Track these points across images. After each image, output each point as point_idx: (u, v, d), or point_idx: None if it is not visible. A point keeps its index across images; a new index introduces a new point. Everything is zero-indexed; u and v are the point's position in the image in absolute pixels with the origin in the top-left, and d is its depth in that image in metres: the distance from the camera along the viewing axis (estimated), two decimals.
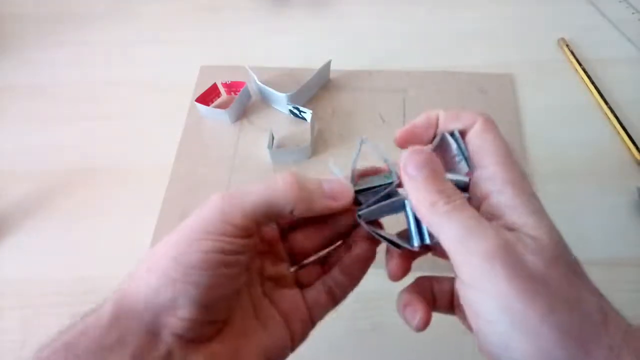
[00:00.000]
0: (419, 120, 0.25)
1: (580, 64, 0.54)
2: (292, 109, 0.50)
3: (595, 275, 0.21)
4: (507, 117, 0.51)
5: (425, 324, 0.24)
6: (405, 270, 0.25)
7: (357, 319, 0.39)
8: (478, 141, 0.23)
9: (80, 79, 0.56)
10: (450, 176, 0.22)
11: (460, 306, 0.25)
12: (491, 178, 0.22)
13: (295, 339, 0.25)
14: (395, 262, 0.25)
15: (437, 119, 0.24)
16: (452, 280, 0.26)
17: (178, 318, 0.21)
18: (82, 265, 0.42)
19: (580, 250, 0.21)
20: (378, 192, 0.25)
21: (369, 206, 0.25)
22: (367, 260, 0.26)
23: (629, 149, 0.48)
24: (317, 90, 0.54)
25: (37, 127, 0.52)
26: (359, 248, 0.26)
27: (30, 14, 0.63)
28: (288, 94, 0.49)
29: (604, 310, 0.19)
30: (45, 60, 0.58)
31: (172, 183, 0.47)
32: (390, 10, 0.63)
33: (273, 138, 0.49)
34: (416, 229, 0.24)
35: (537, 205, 0.21)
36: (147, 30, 0.61)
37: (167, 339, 0.21)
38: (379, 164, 0.26)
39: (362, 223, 0.25)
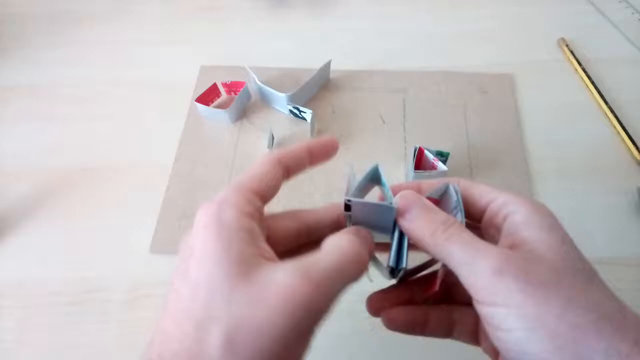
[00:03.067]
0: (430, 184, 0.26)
1: (580, 64, 0.54)
2: (292, 109, 0.50)
3: None
4: (507, 117, 0.51)
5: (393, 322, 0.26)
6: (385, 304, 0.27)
7: (357, 319, 0.39)
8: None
9: (80, 79, 0.56)
10: None
11: (482, 334, 0.26)
12: (504, 203, 0.23)
13: None
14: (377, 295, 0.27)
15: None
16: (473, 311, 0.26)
17: None
18: (82, 265, 0.42)
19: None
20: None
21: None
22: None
23: (629, 149, 0.48)
24: (317, 90, 0.54)
25: (37, 127, 0.52)
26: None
27: (30, 14, 0.63)
28: (288, 94, 0.49)
29: (623, 312, 0.19)
30: (45, 60, 0.58)
31: (172, 183, 0.47)
32: (390, 10, 0.63)
33: (273, 138, 0.49)
34: (396, 252, 0.24)
35: (549, 221, 0.22)
36: (147, 30, 0.61)
37: None
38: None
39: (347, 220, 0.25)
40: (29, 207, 0.46)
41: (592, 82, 0.53)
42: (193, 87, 0.54)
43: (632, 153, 0.47)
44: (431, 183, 0.26)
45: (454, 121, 0.51)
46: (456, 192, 0.24)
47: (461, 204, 0.24)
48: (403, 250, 0.24)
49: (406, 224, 0.23)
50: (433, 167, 0.44)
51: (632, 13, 0.60)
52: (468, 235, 0.22)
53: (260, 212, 0.23)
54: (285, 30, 0.61)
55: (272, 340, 0.18)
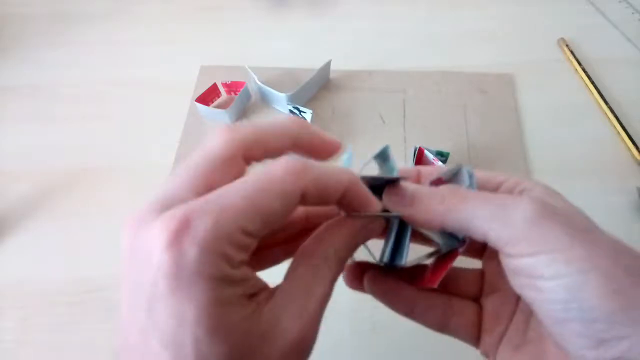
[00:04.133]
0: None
1: (580, 64, 0.54)
2: (292, 109, 0.50)
3: None
4: (507, 117, 0.51)
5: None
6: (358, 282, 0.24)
7: (357, 319, 0.39)
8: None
9: (80, 79, 0.56)
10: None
11: (484, 332, 0.24)
12: (517, 182, 0.22)
13: None
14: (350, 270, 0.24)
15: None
16: (472, 307, 0.25)
17: None
18: (82, 265, 0.42)
19: None
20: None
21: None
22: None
23: (629, 149, 0.48)
24: (317, 90, 0.54)
25: (37, 127, 0.52)
26: None
27: (30, 14, 0.63)
28: (288, 94, 0.49)
29: None
30: (45, 60, 0.58)
31: None
32: (390, 10, 0.63)
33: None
34: (393, 247, 0.22)
35: (565, 200, 0.21)
36: (147, 30, 0.61)
37: None
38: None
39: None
40: (29, 207, 0.46)
41: (592, 82, 0.53)
42: (193, 87, 0.54)
43: (632, 153, 0.47)
44: (432, 169, 0.24)
45: (454, 121, 0.51)
46: (470, 175, 0.22)
47: (475, 187, 0.22)
48: (403, 245, 0.22)
49: (410, 209, 0.20)
50: None
51: (632, 13, 0.60)
52: (482, 192, 0.20)
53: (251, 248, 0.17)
54: (285, 30, 0.61)
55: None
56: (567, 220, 0.18)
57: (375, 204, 0.20)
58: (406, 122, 0.51)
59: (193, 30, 0.61)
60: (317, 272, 0.18)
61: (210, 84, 0.51)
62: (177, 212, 0.15)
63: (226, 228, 0.15)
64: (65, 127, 0.52)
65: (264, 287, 0.18)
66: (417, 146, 0.44)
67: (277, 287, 0.18)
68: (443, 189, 0.20)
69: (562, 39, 0.57)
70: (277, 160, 0.17)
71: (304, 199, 0.17)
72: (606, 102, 0.51)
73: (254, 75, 0.51)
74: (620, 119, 0.49)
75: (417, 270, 0.25)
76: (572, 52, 0.56)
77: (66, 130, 0.51)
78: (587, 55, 0.56)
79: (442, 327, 0.24)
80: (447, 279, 0.25)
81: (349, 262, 0.24)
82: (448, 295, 0.25)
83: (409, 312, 0.24)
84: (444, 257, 0.23)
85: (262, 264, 0.23)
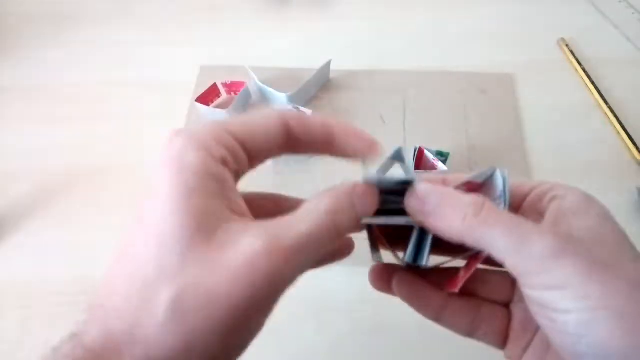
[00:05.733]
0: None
1: (580, 64, 0.54)
2: (292, 109, 0.50)
3: None
4: (507, 117, 0.51)
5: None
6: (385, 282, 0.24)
7: (357, 319, 0.39)
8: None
9: (80, 79, 0.56)
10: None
11: (512, 337, 0.23)
12: (551, 188, 0.21)
13: None
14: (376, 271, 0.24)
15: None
16: (502, 311, 0.24)
17: None
18: (82, 265, 0.42)
19: None
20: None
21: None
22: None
23: (629, 149, 0.48)
24: (317, 90, 0.54)
25: (37, 127, 0.52)
26: None
27: (30, 14, 0.63)
28: (288, 94, 0.49)
29: None
30: (45, 60, 0.58)
31: None
32: (390, 11, 0.63)
33: None
34: (415, 246, 0.22)
35: (600, 210, 0.20)
36: (147, 30, 0.61)
37: None
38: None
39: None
40: (29, 207, 0.46)
41: (592, 82, 0.53)
42: (193, 87, 0.54)
43: (632, 153, 0.47)
44: (458, 176, 0.23)
45: (454, 121, 0.51)
46: (504, 179, 0.22)
47: (507, 194, 0.21)
48: (425, 245, 0.21)
49: (429, 218, 0.20)
50: (433, 167, 0.44)
51: (632, 13, 0.60)
52: (508, 216, 0.19)
53: (237, 159, 0.19)
54: (285, 30, 0.61)
55: (225, 310, 0.16)
56: (587, 254, 0.18)
57: (368, 147, 0.21)
58: (406, 122, 0.51)
59: (193, 30, 0.61)
60: (306, 215, 0.18)
61: (210, 84, 0.51)
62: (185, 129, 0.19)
63: (212, 126, 0.19)
64: (65, 127, 0.52)
65: (249, 215, 0.19)
66: (417, 146, 0.44)
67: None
68: (467, 202, 0.20)
69: (562, 39, 0.57)
70: None
71: (290, 134, 0.20)
72: (606, 102, 0.51)
73: (254, 75, 0.51)
74: (620, 119, 0.49)
75: (447, 275, 0.24)
76: (572, 52, 0.56)
77: (66, 130, 0.51)
78: (587, 55, 0.56)
79: (470, 333, 0.24)
80: (478, 283, 0.24)
81: (375, 263, 0.24)
82: (478, 301, 0.24)
83: (437, 317, 0.24)
84: (468, 260, 0.22)
85: None
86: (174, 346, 0.16)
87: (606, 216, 0.20)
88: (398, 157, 0.23)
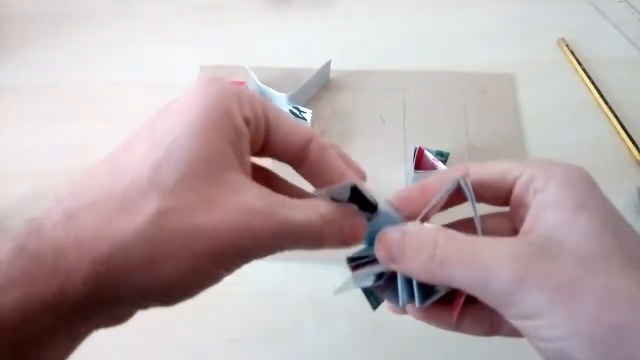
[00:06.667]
0: (433, 180, 0.22)
1: (580, 64, 0.54)
2: (292, 109, 0.50)
3: None
4: (507, 117, 0.51)
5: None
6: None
7: (357, 319, 0.39)
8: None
9: (80, 79, 0.56)
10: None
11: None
12: (532, 178, 0.20)
13: None
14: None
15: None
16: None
17: None
18: None
19: None
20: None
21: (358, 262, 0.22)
22: None
23: (629, 149, 0.48)
24: (317, 90, 0.54)
25: (37, 127, 0.52)
26: None
27: (30, 14, 0.63)
28: (288, 94, 0.49)
29: None
30: (45, 60, 0.58)
31: None
32: (390, 10, 0.63)
33: None
34: (407, 288, 0.21)
35: (580, 197, 0.19)
36: (147, 30, 0.61)
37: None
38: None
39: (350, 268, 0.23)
40: (29, 207, 0.46)
41: (592, 82, 0.53)
42: None
43: (632, 153, 0.47)
44: (433, 180, 0.22)
45: (454, 121, 0.51)
46: (469, 189, 0.21)
47: (474, 202, 0.21)
48: (414, 286, 0.21)
49: (396, 264, 0.20)
50: (433, 167, 0.44)
51: (632, 13, 0.60)
52: (465, 249, 0.18)
53: (257, 130, 0.20)
54: (285, 30, 0.61)
55: (203, 248, 0.16)
56: (551, 276, 0.17)
57: (346, 176, 0.21)
58: (406, 122, 0.51)
59: (193, 30, 0.61)
60: (306, 207, 0.19)
61: None
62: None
63: (250, 92, 0.20)
64: (65, 127, 0.52)
65: (250, 172, 0.20)
66: (417, 146, 0.44)
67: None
68: (423, 242, 0.19)
69: (562, 39, 0.57)
70: None
71: (266, 132, 0.20)
72: (606, 102, 0.51)
73: (254, 75, 0.51)
74: (620, 119, 0.49)
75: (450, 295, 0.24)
76: (572, 52, 0.56)
77: (66, 130, 0.51)
78: (587, 55, 0.56)
79: (493, 334, 0.24)
80: None
81: (377, 306, 0.25)
82: None
83: (456, 328, 0.23)
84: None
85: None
86: (141, 259, 0.15)
87: (585, 202, 0.19)
88: (345, 194, 0.22)
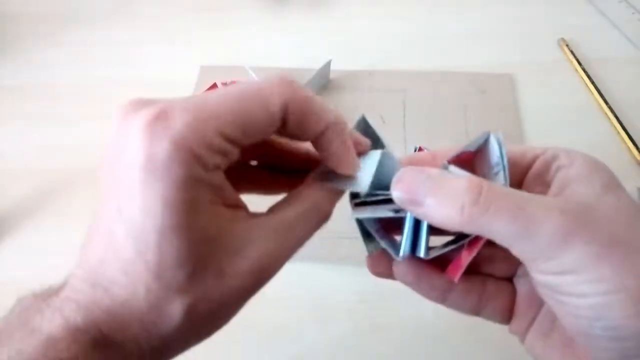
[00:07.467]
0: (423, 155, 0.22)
1: (580, 64, 0.54)
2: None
3: None
4: (507, 117, 0.51)
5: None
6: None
7: (357, 319, 0.39)
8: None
9: (80, 79, 0.56)
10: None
11: (517, 312, 0.23)
12: (554, 156, 0.20)
13: None
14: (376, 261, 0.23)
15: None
16: (509, 286, 0.23)
17: None
18: None
19: None
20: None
21: (365, 202, 0.21)
22: None
23: (629, 149, 0.48)
24: (317, 90, 0.54)
25: (37, 127, 0.52)
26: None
27: (30, 14, 0.63)
28: None
29: None
30: (45, 60, 0.58)
31: None
32: (390, 10, 0.63)
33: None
34: (411, 239, 0.20)
35: (607, 177, 0.19)
36: (147, 30, 0.61)
37: None
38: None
39: (355, 213, 0.21)
40: (29, 207, 0.46)
41: (592, 82, 0.53)
42: (193, 87, 0.54)
43: (632, 153, 0.47)
44: (446, 148, 0.21)
45: (454, 121, 0.51)
46: (499, 144, 0.20)
47: (505, 159, 0.20)
48: (421, 235, 0.20)
49: (420, 209, 0.18)
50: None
51: (632, 13, 0.60)
52: (510, 198, 0.18)
53: (230, 157, 0.18)
54: (286, 30, 0.61)
55: (232, 311, 0.19)
56: (597, 231, 0.17)
57: (356, 166, 0.20)
58: (406, 122, 0.51)
59: (193, 30, 0.61)
60: (303, 216, 0.19)
61: (210, 84, 0.51)
62: (159, 105, 0.16)
63: (203, 127, 0.16)
64: (65, 127, 0.52)
65: (243, 205, 0.19)
66: (417, 146, 0.44)
67: (261, 213, 0.19)
68: (463, 188, 0.18)
69: (562, 39, 0.57)
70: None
71: (285, 122, 0.18)
72: (606, 102, 0.51)
73: (254, 75, 0.51)
74: (620, 119, 0.49)
75: (448, 256, 0.22)
76: (572, 52, 0.56)
77: (66, 130, 0.51)
78: (587, 55, 0.56)
79: (476, 312, 0.23)
80: (482, 260, 0.23)
81: (374, 252, 0.23)
82: (482, 278, 0.23)
83: (442, 299, 0.23)
84: (468, 244, 0.21)
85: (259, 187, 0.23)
86: (187, 342, 0.18)
87: (613, 183, 0.19)
88: (361, 126, 0.22)
